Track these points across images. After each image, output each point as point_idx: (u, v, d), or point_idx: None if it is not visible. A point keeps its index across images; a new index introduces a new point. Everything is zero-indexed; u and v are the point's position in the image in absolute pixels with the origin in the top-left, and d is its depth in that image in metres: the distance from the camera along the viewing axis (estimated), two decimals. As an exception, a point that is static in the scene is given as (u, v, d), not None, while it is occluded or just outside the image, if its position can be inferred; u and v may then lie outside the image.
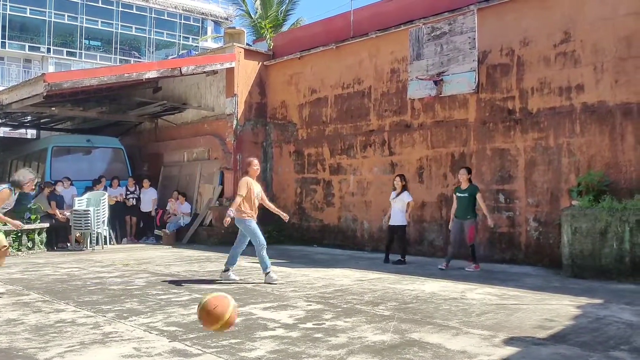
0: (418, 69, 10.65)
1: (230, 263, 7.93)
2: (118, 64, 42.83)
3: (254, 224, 7.77)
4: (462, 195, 9.16)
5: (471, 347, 4.44)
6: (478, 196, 9.07)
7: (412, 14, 11.62)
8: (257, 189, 7.98)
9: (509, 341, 4.60)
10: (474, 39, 9.81)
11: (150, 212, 14.70)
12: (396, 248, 9.97)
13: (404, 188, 9.98)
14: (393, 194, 10.03)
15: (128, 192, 14.50)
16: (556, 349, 4.38)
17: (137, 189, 14.67)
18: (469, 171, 9.36)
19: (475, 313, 5.70)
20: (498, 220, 10.02)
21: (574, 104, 9.25)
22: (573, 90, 9.26)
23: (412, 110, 11.61)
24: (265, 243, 7.78)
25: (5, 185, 6.89)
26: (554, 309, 5.90)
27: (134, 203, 14.49)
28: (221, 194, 14.40)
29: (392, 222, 9.96)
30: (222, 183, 14.51)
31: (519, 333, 4.87)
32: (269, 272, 7.74)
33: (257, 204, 7.92)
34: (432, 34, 10.46)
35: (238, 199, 7.67)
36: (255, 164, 8.07)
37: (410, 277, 8.23)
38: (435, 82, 10.37)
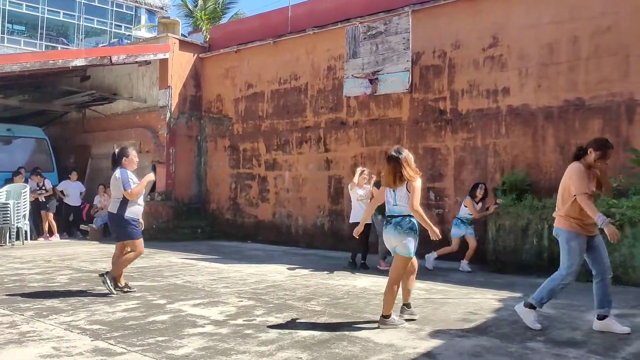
0: (354, 67, 10.78)
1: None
2: (44, 50, 40.70)
3: (576, 242, 4.86)
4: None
5: (398, 340, 4.55)
6: None
7: (348, 12, 11.74)
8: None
9: (435, 334, 4.75)
10: (408, 39, 10.03)
11: (79, 206, 14.05)
12: (354, 248, 8.95)
13: None
14: (359, 189, 8.95)
15: (37, 188, 13.43)
16: (478, 340, 4.56)
17: (44, 183, 13.50)
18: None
19: (404, 307, 5.84)
20: (429, 217, 10.29)
21: (500, 106, 9.66)
22: (499, 93, 9.66)
23: (347, 107, 11.74)
24: (574, 279, 4.95)
25: None
26: (478, 302, 6.15)
27: (44, 199, 13.44)
28: (153, 188, 13.99)
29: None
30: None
31: (444, 326, 5.03)
32: (538, 305, 5.02)
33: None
34: (368, 33, 10.61)
35: (584, 199, 4.77)
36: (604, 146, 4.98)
37: (343, 272, 8.33)
38: (371, 81, 10.53)
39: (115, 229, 6.61)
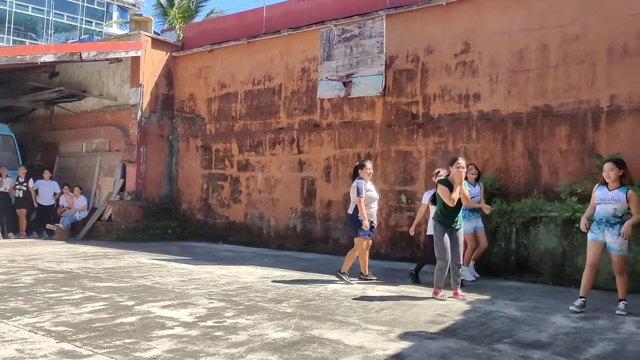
0: (328, 70, 10.80)
1: None
2: (11, 45, 39.70)
3: None
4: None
5: (369, 342, 4.57)
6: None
7: (323, 14, 11.77)
8: None
9: (404, 336, 4.79)
10: (382, 43, 10.11)
11: (52, 205, 13.81)
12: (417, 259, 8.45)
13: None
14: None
15: (17, 183, 13.38)
16: (446, 342, 4.62)
17: (27, 180, 13.54)
18: None
19: (375, 310, 5.88)
20: (399, 220, 10.41)
21: (471, 111, 9.80)
22: (471, 98, 9.81)
23: (321, 109, 11.76)
24: None
25: None
26: (447, 304, 6.22)
27: (21, 195, 13.35)
28: (122, 188, 13.79)
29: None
30: (123, 176, 13.90)
31: (413, 328, 5.08)
32: None
33: None
34: (342, 36, 10.65)
35: None
36: None
37: (314, 274, 8.33)
38: (344, 84, 10.57)
39: (349, 227, 7.92)
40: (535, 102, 9.15)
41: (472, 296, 6.66)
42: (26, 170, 13.63)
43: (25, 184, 13.36)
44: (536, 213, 7.97)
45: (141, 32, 14.09)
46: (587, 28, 8.74)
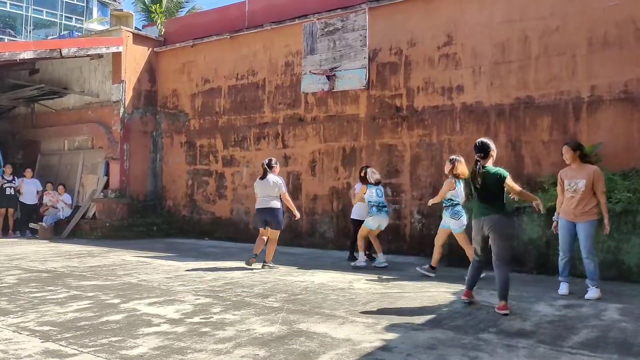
0: (312, 64, 10.79)
1: None
2: (-11, 41, 38.97)
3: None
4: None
5: (356, 334, 4.59)
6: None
7: (306, 8, 11.73)
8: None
9: (391, 328, 4.81)
10: (365, 36, 10.12)
11: (35, 204, 13.66)
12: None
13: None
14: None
15: (5, 181, 13.27)
16: (433, 333, 4.66)
17: (15, 177, 13.49)
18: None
19: (361, 302, 5.91)
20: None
21: (454, 103, 9.86)
22: (454, 90, 9.87)
23: (305, 104, 11.75)
24: None
25: None
26: (433, 296, 6.27)
27: (12, 193, 13.30)
28: (106, 185, 13.67)
29: None
30: (107, 174, 13.78)
31: (400, 320, 5.11)
32: None
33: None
34: (325, 30, 10.64)
35: None
36: None
37: (301, 269, 8.35)
38: (328, 77, 10.57)
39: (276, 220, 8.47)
40: (517, 93, 9.23)
41: (457, 287, 6.71)
42: (12, 168, 13.52)
43: (13, 182, 13.29)
44: (520, 203, 8.04)
45: (122, 27, 13.93)
46: (567, 19, 8.82)
